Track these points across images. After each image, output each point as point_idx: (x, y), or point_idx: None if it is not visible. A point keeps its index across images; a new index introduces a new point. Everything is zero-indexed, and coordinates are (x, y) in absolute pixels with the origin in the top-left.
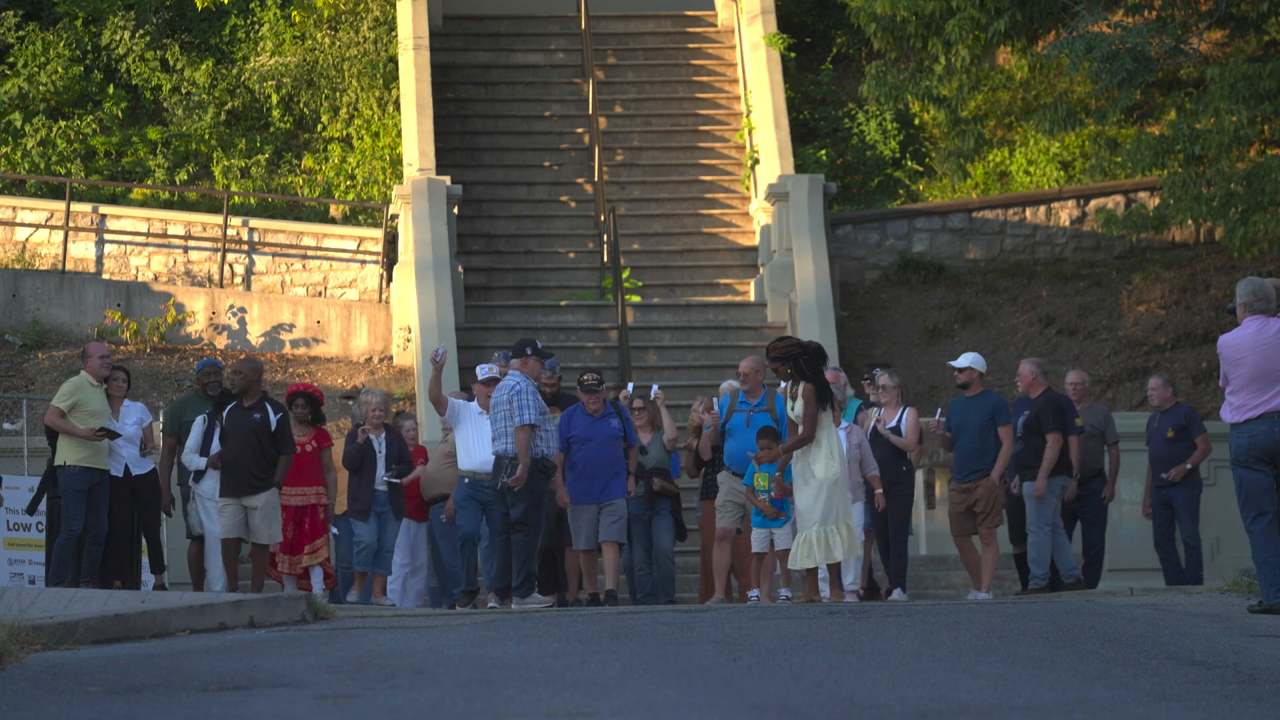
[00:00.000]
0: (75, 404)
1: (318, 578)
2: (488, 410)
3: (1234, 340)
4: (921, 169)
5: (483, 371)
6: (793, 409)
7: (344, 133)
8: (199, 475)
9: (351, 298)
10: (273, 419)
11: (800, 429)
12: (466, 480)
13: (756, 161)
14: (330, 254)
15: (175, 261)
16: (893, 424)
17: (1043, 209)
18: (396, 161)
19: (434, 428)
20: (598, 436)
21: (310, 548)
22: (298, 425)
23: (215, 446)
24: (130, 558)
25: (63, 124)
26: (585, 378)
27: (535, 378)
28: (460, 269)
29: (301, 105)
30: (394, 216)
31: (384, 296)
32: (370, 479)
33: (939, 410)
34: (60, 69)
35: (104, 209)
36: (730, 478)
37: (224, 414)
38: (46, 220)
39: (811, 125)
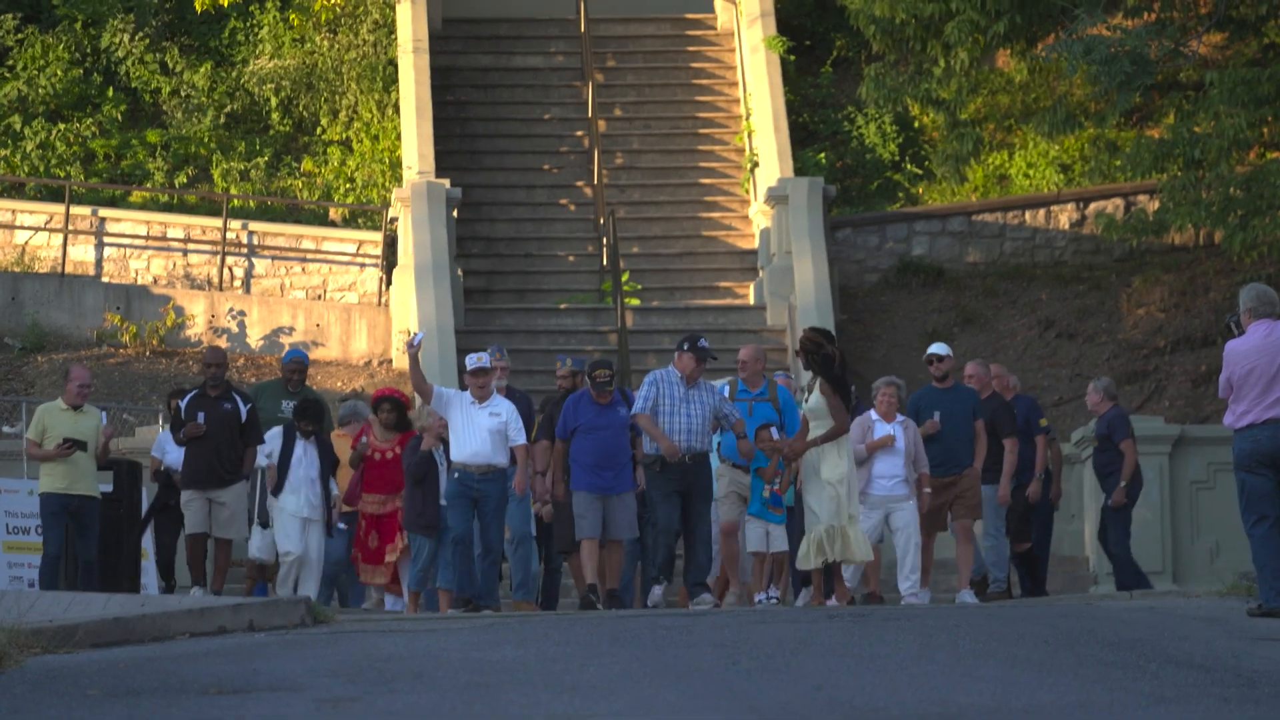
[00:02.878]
0: (44, 430)
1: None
2: (480, 401)
3: (1242, 347)
4: (921, 172)
5: (471, 361)
6: (806, 401)
7: (343, 136)
8: (277, 488)
9: (351, 301)
10: (243, 409)
11: (819, 423)
12: (456, 474)
13: (756, 164)
14: (330, 257)
15: (175, 264)
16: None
17: (1042, 212)
18: (396, 164)
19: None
20: (607, 426)
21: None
22: (382, 430)
23: (299, 470)
24: (135, 563)
25: (62, 127)
26: (597, 374)
27: (685, 373)
28: (460, 272)
29: (301, 108)
30: (393, 219)
31: (383, 300)
32: (435, 493)
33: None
34: (60, 72)
35: (103, 212)
36: (730, 469)
37: (184, 403)
38: (46, 223)
39: (811, 128)
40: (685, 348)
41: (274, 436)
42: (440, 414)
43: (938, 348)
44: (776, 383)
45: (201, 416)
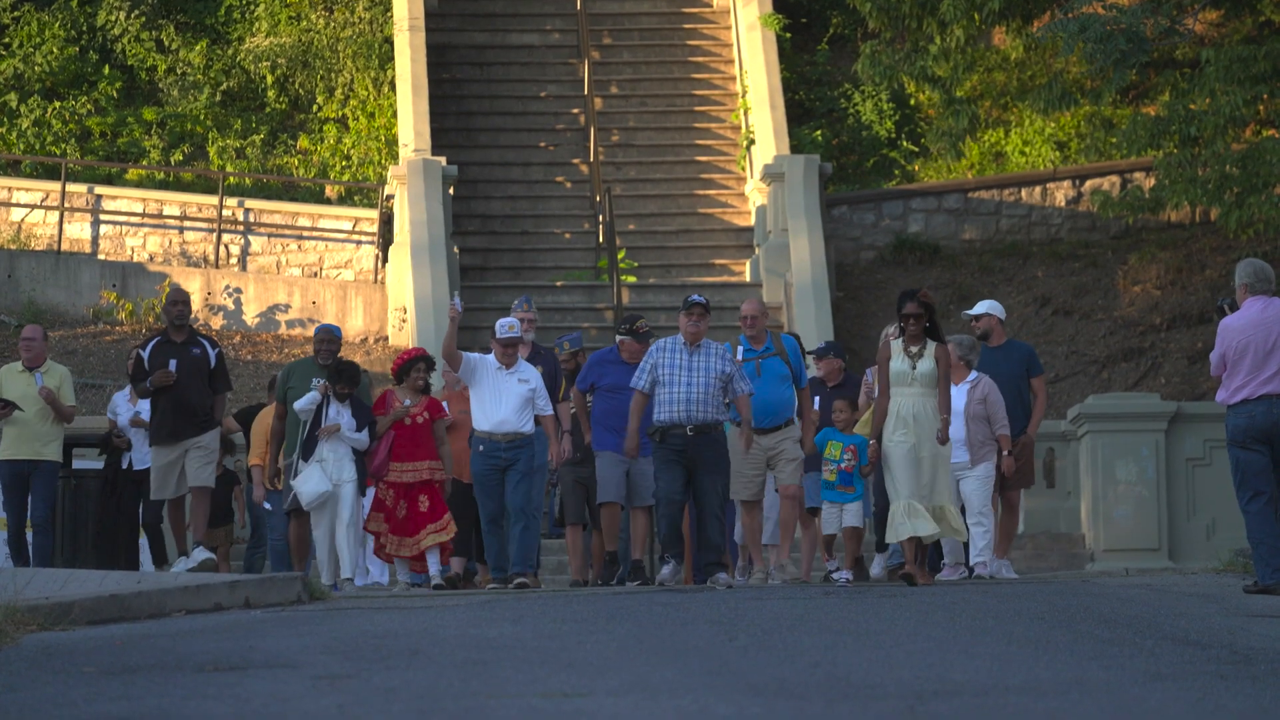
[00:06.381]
0: None
1: (434, 560)
2: (508, 367)
3: (1238, 323)
4: (917, 149)
5: (501, 329)
6: (914, 366)
7: (339, 113)
8: (308, 447)
9: (347, 278)
10: (211, 354)
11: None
12: (481, 447)
13: (752, 142)
14: (326, 235)
15: (171, 242)
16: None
17: (1038, 189)
18: (392, 142)
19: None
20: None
21: (434, 527)
22: (411, 393)
23: (329, 419)
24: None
25: (58, 104)
26: (639, 324)
27: (685, 335)
28: (456, 250)
29: (297, 86)
30: (389, 197)
31: (379, 277)
32: None
33: None
34: (55, 49)
35: (99, 189)
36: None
37: (145, 351)
38: (42, 201)
39: (807, 106)
40: (683, 306)
41: (310, 397)
42: (466, 382)
43: (978, 306)
44: (781, 334)
45: (174, 364)
